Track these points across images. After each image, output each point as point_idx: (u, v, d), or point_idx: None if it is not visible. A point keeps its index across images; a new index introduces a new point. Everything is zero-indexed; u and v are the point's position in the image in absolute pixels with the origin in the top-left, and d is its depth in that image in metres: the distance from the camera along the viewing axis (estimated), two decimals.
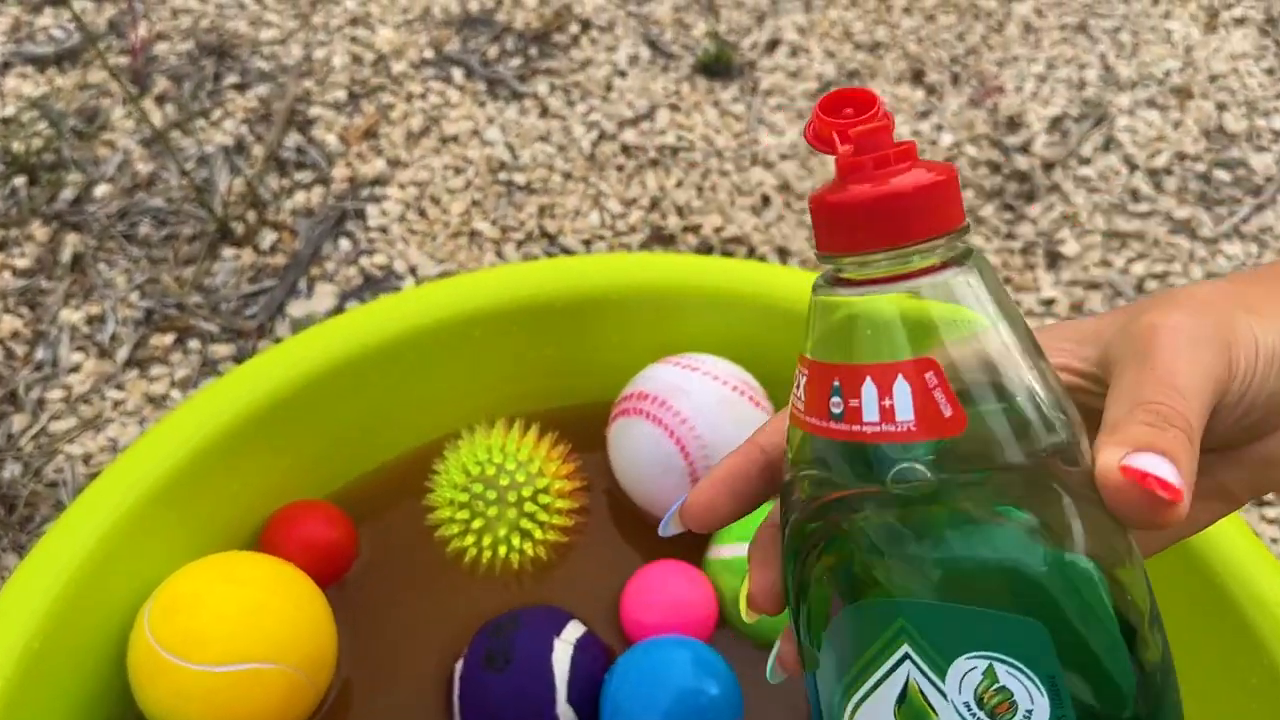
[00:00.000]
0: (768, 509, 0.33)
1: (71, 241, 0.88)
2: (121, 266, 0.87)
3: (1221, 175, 0.94)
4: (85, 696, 0.52)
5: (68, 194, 0.92)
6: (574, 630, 0.56)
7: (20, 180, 0.92)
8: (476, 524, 0.59)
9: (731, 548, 0.59)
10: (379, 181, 0.93)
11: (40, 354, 0.81)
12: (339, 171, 0.94)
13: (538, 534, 0.60)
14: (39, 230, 0.89)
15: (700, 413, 0.60)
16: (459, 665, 0.55)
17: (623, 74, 1.02)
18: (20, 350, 0.82)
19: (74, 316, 0.84)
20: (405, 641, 0.58)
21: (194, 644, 0.50)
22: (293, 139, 0.96)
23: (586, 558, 0.62)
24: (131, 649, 0.52)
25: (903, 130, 0.96)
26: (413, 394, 0.62)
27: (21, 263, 0.87)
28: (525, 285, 0.61)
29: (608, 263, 0.65)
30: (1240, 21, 1.09)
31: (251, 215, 0.90)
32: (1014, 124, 0.98)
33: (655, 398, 0.61)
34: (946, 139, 0.96)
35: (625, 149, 0.96)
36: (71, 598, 0.50)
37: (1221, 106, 1.00)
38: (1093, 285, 0.85)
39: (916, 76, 1.02)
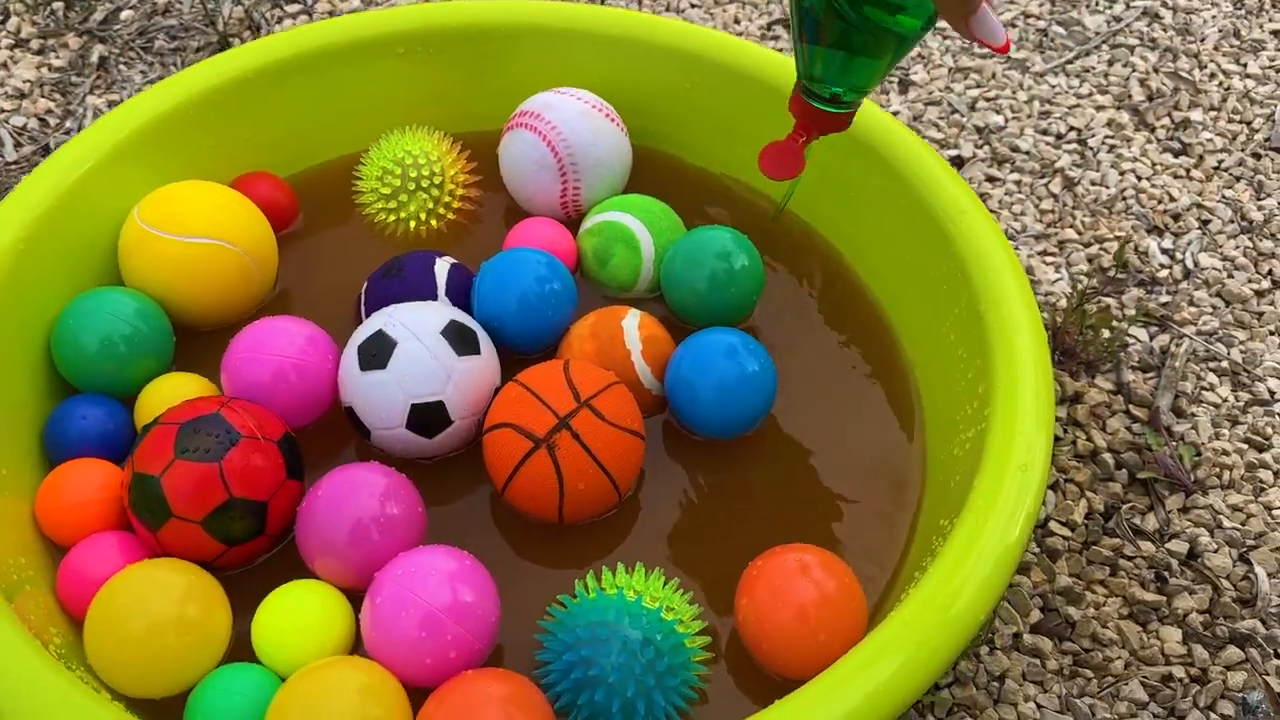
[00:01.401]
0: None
1: (99, 50, 1.08)
2: (139, 68, 1.06)
3: (1058, 30, 1.11)
4: (78, 274, 0.69)
5: (98, 16, 1.11)
6: (450, 259, 0.73)
7: (58, 4, 1.12)
8: (390, 196, 0.77)
9: (594, 218, 0.77)
10: None
11: (69, 124, 1.01)
12: (321, 6, 1.13)
13: (439, 209, 0.78)
14: (72, 40, 1.08)
15: (566, 121, 0.77)
16: (365, 282, 0.73)
17: None
18: (53, 121, 1.01)
19: (98, 101, 1.03)
20: (329, 272, 0.76)
21: (173, 220, 0.68)
22: None
23: (477, 235, 0.80)
24: (123, 234, 0.70)
25: None
26: (350, 99, 0.80)
27: (57, 62, 1.07)
28: (441, 15, 0.80)
29: (510, 4, 0.82)
30: None
31: (248, 34, 1.10)
32: None
33: (532, 112, 0.78)
34: None
35: None
36: (68, 201, 0.68)
37: None
38: (933, 102, 1.03)
39: None
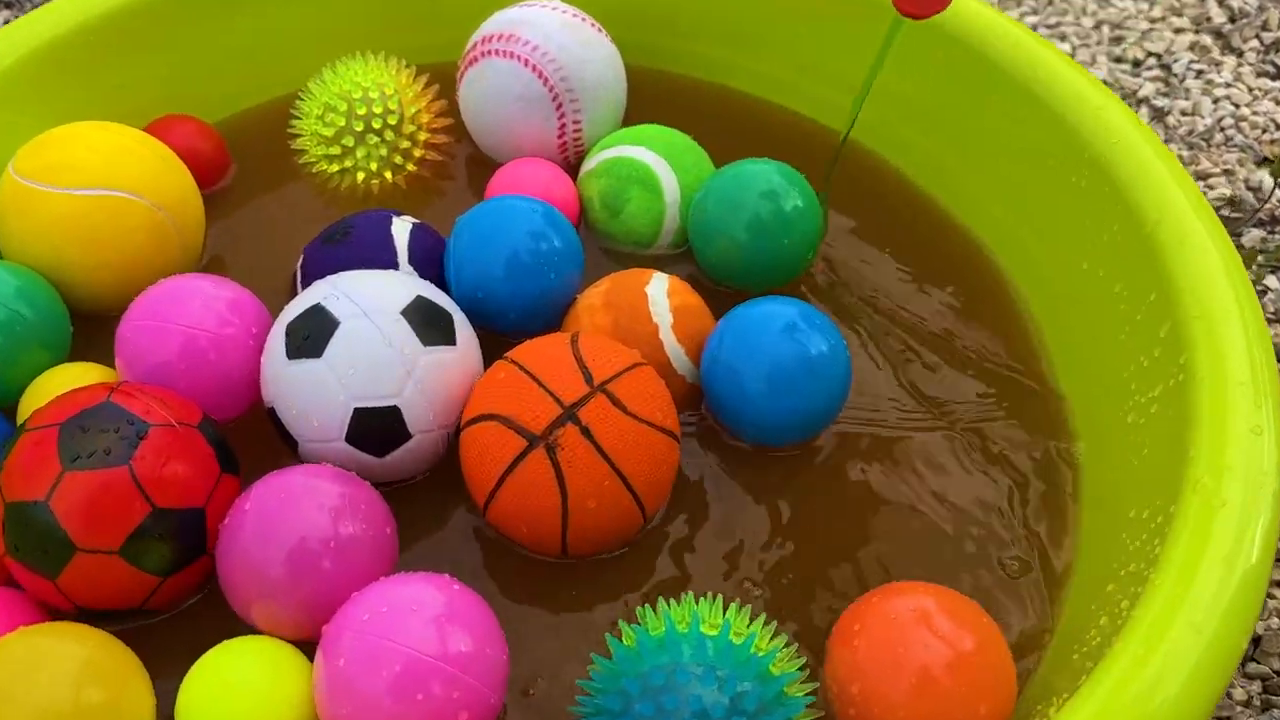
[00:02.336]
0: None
1: (4, 15, 0.91)
2: None
3: None
4: None
5: None
6: (412, 219, 0.56)
7: None
8: (332, 140, 0.61)
9: (599, 155, 0.60)
10: None
11: None
12: None
13: (395, 158, 0.62)
14: None
15: (550, 38, 0.60)
16: (302, 254, 0.56)
17: None
18: None
19: None
20: (265, 238, 0.61)
21: (58, 169, 0.52)
22: None
23: (447, 193, 0.64)
24: None
25: None
26: (293, 25, 0.65)
27: None
28: None
29: None
30: None
31: None
32: None
33: (502, 34, 0.61)
34: None
35: None
36: None
37: None
38: None
39: None
